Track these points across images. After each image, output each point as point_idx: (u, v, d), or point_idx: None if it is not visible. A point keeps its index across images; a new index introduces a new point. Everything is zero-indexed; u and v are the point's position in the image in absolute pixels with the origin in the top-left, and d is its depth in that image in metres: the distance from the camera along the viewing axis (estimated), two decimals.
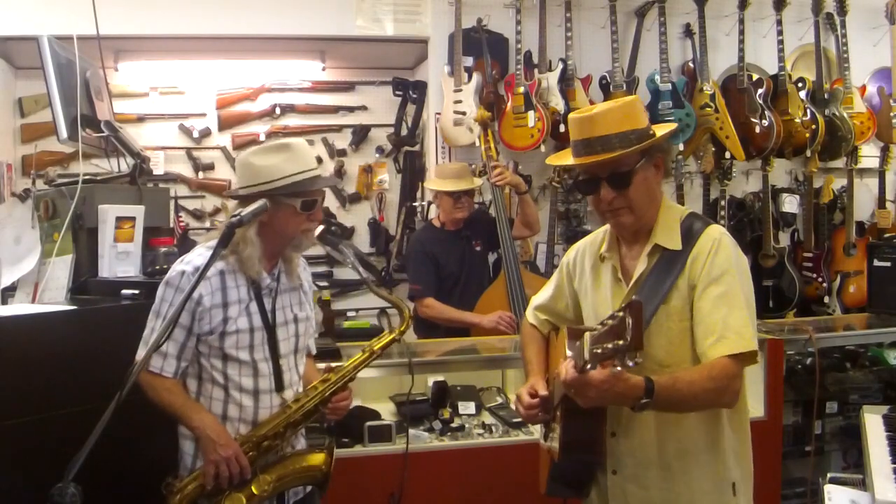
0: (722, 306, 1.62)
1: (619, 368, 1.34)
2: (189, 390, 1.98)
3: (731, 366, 1.59)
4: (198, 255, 1.95)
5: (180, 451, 1.99)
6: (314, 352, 2.24)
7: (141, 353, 1.88)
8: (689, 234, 1.72)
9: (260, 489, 1.90)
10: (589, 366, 1.40)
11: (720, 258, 1.66)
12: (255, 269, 1.95)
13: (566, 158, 1.77)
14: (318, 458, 2.01)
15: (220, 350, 1.94)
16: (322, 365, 2.19)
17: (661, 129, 1.75)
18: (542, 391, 1.79)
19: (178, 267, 1.94)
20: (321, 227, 2.05)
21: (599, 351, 1.33)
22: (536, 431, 2.48)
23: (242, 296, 1.95)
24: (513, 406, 3.02)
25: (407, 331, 2.13)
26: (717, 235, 1.71)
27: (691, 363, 1.67)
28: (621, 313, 1.31)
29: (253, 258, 1.93)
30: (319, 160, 4.69)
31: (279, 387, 2.00)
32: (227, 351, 1.94)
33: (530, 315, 2.07)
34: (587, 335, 1.38)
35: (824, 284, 4.51)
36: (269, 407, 1.98)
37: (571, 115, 1.75)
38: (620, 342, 1.30)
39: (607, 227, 1.85)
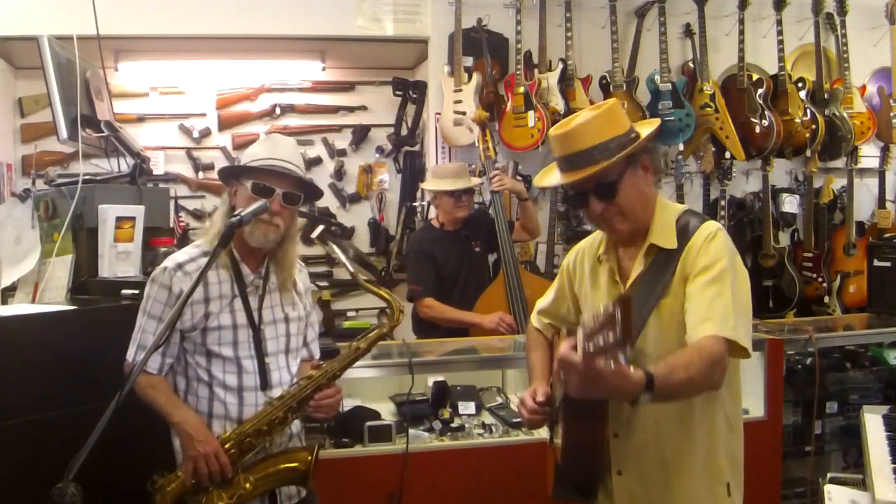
0: (709, 290, 1.61)
1: (613, 365, 1.31)
2: (178, 389, 1.99)
3: (717, 344, 1.56)
4: (182, 252, 1.97)
5: (174, 450, 1.98)
6: (317, 356, 2.19)
7: (131, 352, 1.94)
8: (685, 232, 1.71)
9: (242, 488, 1.87)
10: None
11: (713, 247, 1.65)
12: (224, 263, 1.94)
13: (552, 174, 1.77)
14: (300, 457, 1.97)
15: (204, 346, 1.94)
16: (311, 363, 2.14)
17: (644, 128, 1.73)
18: (541, 396, 1.79)
19: (162, 263, 1.95)
20: (321, 228, 2.05)
21: (591, 346, 1.31)
22: (537, 432, 2.48)
23: (225, 292, 1.96)
24: (513, 406, 3.04)
25: (397, 326, 2.10)
26: (712, 230, 1.69)
27: None
28: (611, 308, 1.29)
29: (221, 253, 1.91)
30: (318, 161, 4.69)
31: (265, 385, 1.98)
32: (210, 347, 1.94)
33: (534, 319, 2.08)
34: (579, 330, 1.36)
35: (824, 284, 4.51)
36: (254, 405, 1.96)
37: (551, 132, 1.73)
38: (611, 337, 1.29)
39: None
